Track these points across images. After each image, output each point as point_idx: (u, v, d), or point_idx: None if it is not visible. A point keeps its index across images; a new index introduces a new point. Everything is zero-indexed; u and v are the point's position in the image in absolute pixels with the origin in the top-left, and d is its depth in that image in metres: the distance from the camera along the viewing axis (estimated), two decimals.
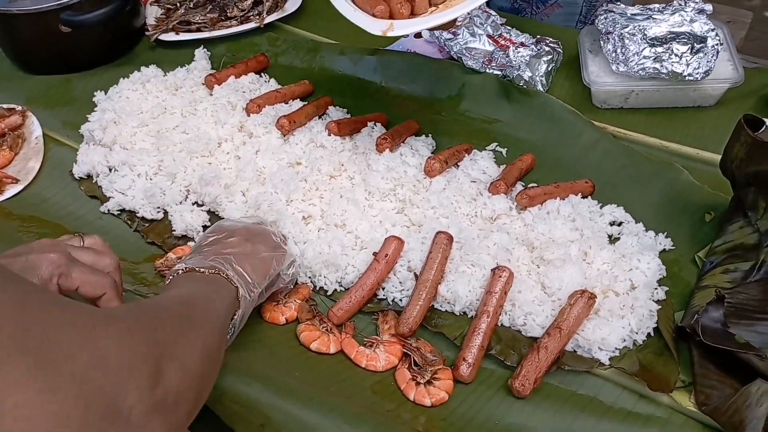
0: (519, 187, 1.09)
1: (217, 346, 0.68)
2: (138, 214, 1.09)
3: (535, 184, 1.08)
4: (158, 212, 1.10)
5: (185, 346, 0.59)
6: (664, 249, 0.98)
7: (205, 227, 1.08)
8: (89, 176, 1.17)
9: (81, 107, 1.29)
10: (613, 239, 1.01)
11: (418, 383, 0.84)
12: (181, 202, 1.10)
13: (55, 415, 0.42)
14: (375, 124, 1.20)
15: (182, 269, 0.78)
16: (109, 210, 1.11)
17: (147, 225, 1.09)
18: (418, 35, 1.40)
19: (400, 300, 0.95)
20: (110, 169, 1.16)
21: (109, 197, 1.12)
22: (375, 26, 0.92)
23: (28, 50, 1.38)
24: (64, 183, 1.17)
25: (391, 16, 0.94)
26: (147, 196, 1.09)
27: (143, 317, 0.58)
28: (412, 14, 0.95)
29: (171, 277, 0.78)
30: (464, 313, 0.93)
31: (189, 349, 0.59)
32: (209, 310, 0.71)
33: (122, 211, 1.11)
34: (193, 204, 1.11)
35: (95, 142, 1.20)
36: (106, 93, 1.30)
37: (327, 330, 0.90)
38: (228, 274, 0.78)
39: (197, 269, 0.77)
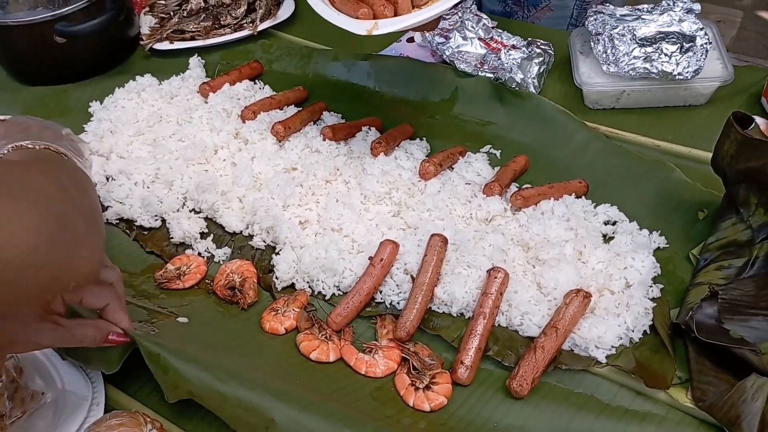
0: (513, 188, 1.10)
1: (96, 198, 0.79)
2: (136, 223, 1.10)
3: (529, 185, 1.09)
4: (156, 220, 1.11)
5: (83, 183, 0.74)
6: (659, 247, 0.99)
7: (202, 234, 1.08)
8: None
9: (77, 117, 1.30)
10: (607, 238, 1.02)
11: (417, 388, 0.85)
12: (178, 210, 1.11)
13: (30, 227, 0.58)
14: (369, 128, 1.21)
15: (11, 148, 0.76)
16: (107, 219, 1.11)
17: (146, 233, 1.10)
18: (410, 39, 1.41)
19: (398, 303, 0.95)
20: (107, 179, 1.17)
21: (107, 206, 1.12)
22: (360, 27, 0.93)
23: (23, 61, 1.39)
24: None
25: (375, 19, 0.96)
26: (144, 204, 1.10)
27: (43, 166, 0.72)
28: (396, 14, 0.97)
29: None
30: (461, 314, 0.94)
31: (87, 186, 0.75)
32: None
33: (120, 220, 1.12)
34: (190, 211, 1.11)
35: (92, 151, 1.21)
36: (101, 103, 1.31)
37: (326, 337, 0.91)
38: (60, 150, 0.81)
39: (27, 146, 0.77)
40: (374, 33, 0.93)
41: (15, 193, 0.60)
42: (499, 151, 1.18)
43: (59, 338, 0.75)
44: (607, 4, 1.24)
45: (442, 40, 1.31)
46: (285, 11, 1.50)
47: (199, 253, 1.06)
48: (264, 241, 1.06)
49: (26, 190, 0.61)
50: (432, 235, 0.97)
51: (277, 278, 1.00)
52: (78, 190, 0.71)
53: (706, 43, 1.13)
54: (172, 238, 1.07)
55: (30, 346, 0.77)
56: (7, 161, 0.70)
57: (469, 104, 1.26)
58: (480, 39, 1.29)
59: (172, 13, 1.48)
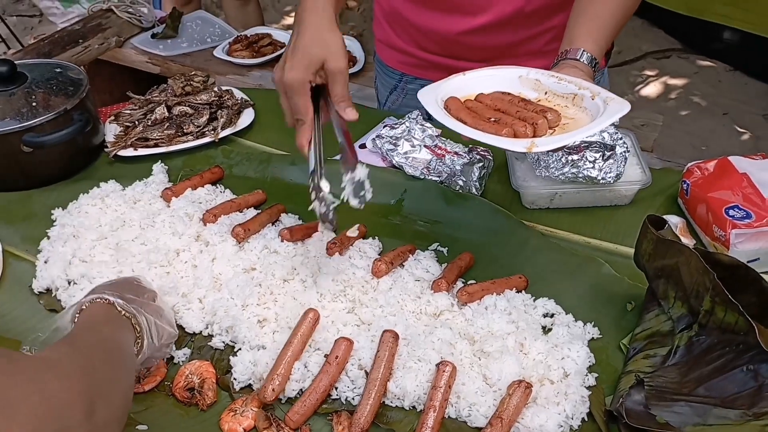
0: (459, 283, 1.18)
1: (132, 383, 0.86)
2: None
3: (473, 281, 1.17)
4: None
5: (112, 386, 0.77)
6: (593, 337, 1.07)
7: None
8: (48, 290, 1.21)
9: (40, 222, 1.34)
10: (546, 330, 1.09)
11: None
12: None
13: None
14: None
15: (103, 300, 0.93)
16: None
17: None
18: (362, 146, 1.52)
19: (353, 399, 1.00)
20: (69, 283, 1.20)
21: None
22: (519, 145, 0.98)
23: None
24: (23, 298, 1.20)
25: (515, 138, 1.01)
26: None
27: (79, 359, 0.74)
28: (535, 136, 1.02)
29: (90, 302, 0.94)
30: (413, 407, 0.99)
31: (115, 388, 0.78)
32: (127, 354, 0.90)
33: None
34: None
35: (54, 256, 1.24)
36: (65, 208, 1.35)
37: None
38: (139, 321, 0.95)
39: (116, 305, 0.93)
40: (534, 150, 0.98)
41: (12, 402, 0.60)
42: (446, 248, 1.27)
43: None
44: None
45: (391, 146, 1.43)
46: (245, 119, 1.61)
47: None
48: (223, 342, 1.10)
49: (27, 399, 0.61)
50: (384, 332, 1.03)
51: (235, 379, 1.03)
52: (102, 394, 0.72)
53: (625, 151, 1.27)
54: None
55: None
56: (26, 357, 0.76)
57: (417, 205, 1.36)
58: (426, 146, 1.41)
59: (136, 122, 1.56)
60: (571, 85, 1.06)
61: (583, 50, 1.14)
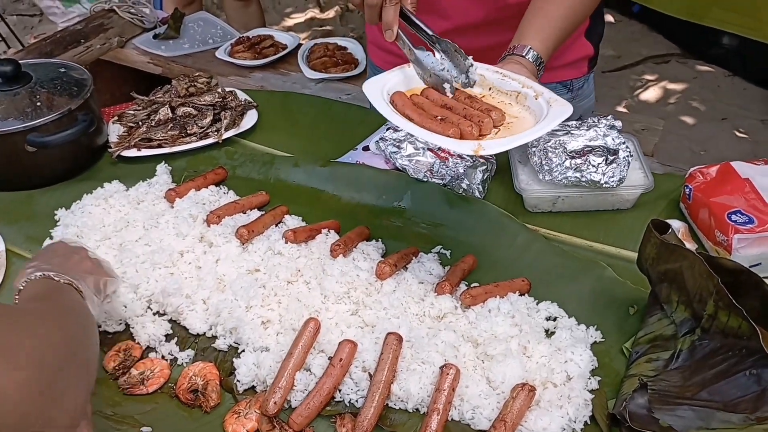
0: (463, 286, 1.18)
1: (97, 338, 0.87)
2: (100, 329, 1.13)
3: (477, 284, 1.18)
4: (120, 324, 1.14)
5: (85, 334, 0.82)
6: (595, 341, 1.08)
7: (167, 336, 1.12)
8: None
9: (43, 222, 1.34)
10: (549, 333, 1.10)
11: None
12: (142, 315, 1.14)
13: (18, 382, 0.64)
14: (329, 231, 1.29)
15: (39, 275, 0.92)
16: None
17: (110, 336, 1.12)
18: (365, 148, 1.52)
19: (357, 401, 1.00)
20: None
21: None
22: (467, 147, 0.99)
23: None
24: None
25: (462, 137, 1.02)
26: (108, 311, 1.13)
27: (52, 311, 0.82)
28: (480, 135, 1.03)
29: (25, 282, 0.92)
30: (417, 409, 0.99)
31: (87, 335, 0.83)
32: (84, 307, 0.92)
33: None
34: (154, 314, 1.15)
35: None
36: (68, 208, 1.36)
37: None
38: (78, 285, 0.95)
39: (53, 277, 0.92)
40: (480, 153, 0.99)
41: (11, 348, 0.66)
42: (449, 251, 1.27)
43: None
44: None
45: (395, 149, 1.43)
46: (248, 121, 1.61)
47: (163, 356, 1.09)
48: (227, 343, 1.10)
49: (22, 344, 0.68)
50: (388, 334, 1.03)
51: (238, 381, 1.03)
52: (77, 340, 0.78)
53: (628, 155, 1.28)
54: (138, 342, 1.10)
55: None
56: (15, 308, 0.80)
57: (420, 208, 1.37)
58: (429, 149, 1.42)
59: (140, 123, 1.57)
60: (514, 83, 1.07)
61: (530, 47, 1.16)
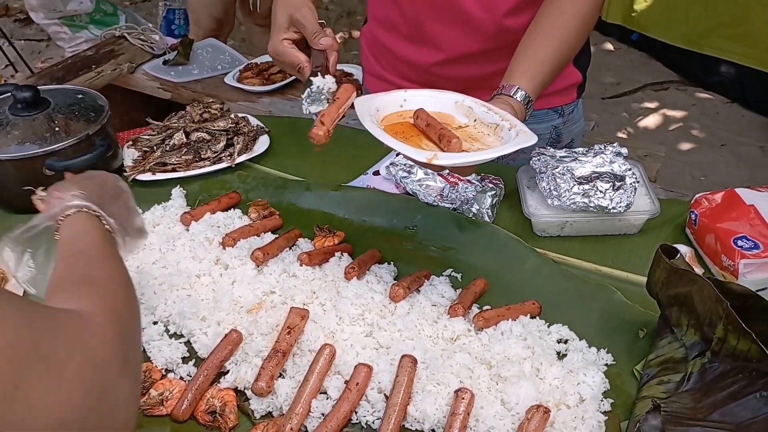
0: (475, 309, 1.20)
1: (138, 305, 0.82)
2: None
3: (489, 307, 1.20)
4: None
5: (134, 327, 0.76)
6: (606, 364, 1.10)
7: (184, 359, 1.13)
8: None
9: None
10: (561, 355, 1.12)
11: None
12: (159, 339, 1.15)
13: (61, 404, 0.57)
14: (342, 254, 1.31)
15: (86, 209, 0.90)
16: None
17: None
18: (376, 173, 1.55)
19: (373, 423, 1.01)
20: None
21: None
22: (420, 155, 1.01)
23: (11, 192, 1.45)
24: None
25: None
26: None
27: (106, 309, 0.71)
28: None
29: (69, 214, 0.90)
30: (433, 431, 1.01)
31: (136, 327, 0.78)
32: (126, 273, 0.84)
33: None
34: (170, 336, 1.17)
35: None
36: None
37: None
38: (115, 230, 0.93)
39: (102, 220, 0.91)
40: (434, 162, 1.01)
41: (58, 358, 0.59)
42: (460, 274, 1.29)
43: None
44: (548, 147, 1.42)
45: (405, 174, 1.46)
46: (261, 146, 1.64)
47: (181, 377, 1.10)
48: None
49: (68, 358, 0.60)
50: (402, 356, 1.05)
51: (252, 409, 1.04)
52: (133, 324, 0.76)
53: (634, 182, 1.31)
54: (156, 365, 1.11)
55: None
56: (60, 313, 0.67)
57: (431, 231, 1.39)
58: (439, 174, 1.45)
59: (155, 147, 1.60)
60: (496, 116, 1.11)
61: (518, 87, 1.19)
